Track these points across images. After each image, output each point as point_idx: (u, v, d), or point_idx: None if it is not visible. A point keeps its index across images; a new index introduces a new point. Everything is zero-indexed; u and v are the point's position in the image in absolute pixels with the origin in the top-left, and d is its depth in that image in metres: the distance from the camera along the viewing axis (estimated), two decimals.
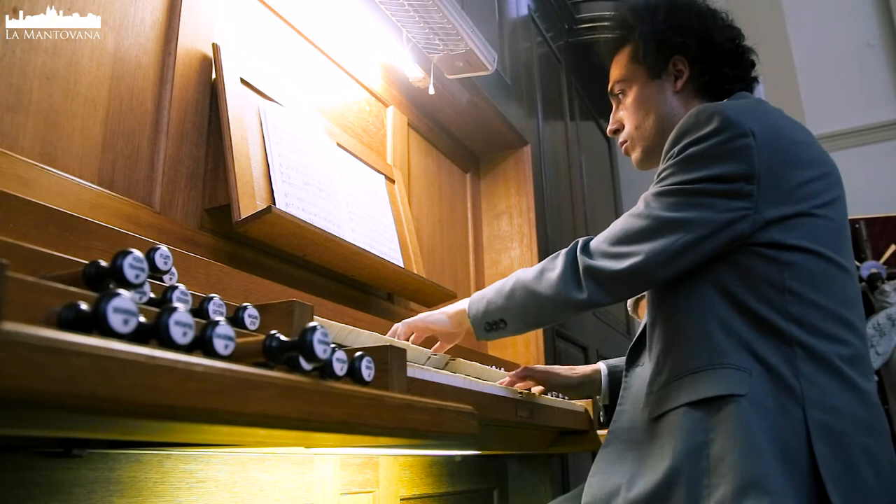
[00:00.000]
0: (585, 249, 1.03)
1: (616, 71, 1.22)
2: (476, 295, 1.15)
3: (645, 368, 1.09)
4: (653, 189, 1.02)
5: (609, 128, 1.26)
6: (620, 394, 1.13)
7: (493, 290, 1.12)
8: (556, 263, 1.05)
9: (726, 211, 0.94)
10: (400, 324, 1.21)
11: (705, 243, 0.95)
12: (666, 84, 1.16)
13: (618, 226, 1.03)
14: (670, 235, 0.96)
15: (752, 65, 1.18)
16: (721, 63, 1.13)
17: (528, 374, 1.32)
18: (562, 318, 1.09)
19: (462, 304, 1.17)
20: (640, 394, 1.07)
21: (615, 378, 1.35)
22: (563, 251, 1.06)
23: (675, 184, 0.98)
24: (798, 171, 0.97)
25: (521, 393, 1.25)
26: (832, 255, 0.97)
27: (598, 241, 1.03)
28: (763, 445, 0.87)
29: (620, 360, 1.37)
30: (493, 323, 1.10)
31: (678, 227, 0.96)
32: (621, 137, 1.23)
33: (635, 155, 1.21)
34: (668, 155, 1.02)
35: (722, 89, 1.13)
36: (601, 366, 1.40)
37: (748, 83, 1.16)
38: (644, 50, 1.16)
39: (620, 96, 1.22)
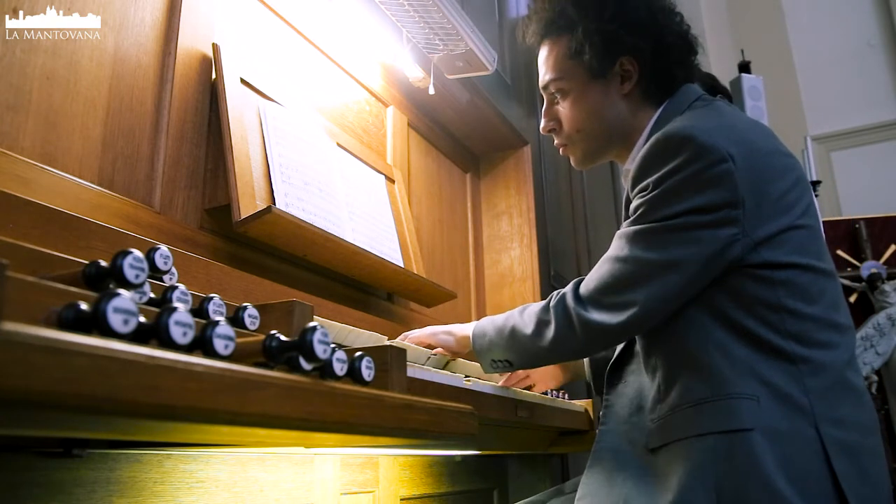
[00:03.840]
0: (577, 299, 0.99)
1: (550, 66, 1.12)
2: (478, 328, 1.13)
3: (629, 387, 1.08)
4: (633, 227, 0.96)
5: (544, 126, 1.16)
6: (602, 412, 1.10)
7: (494, 330, 1.09)
8: (550, 316, 1.01)
9: (715, 241, 0.91)
10: (410, 335, 1.20)
11: (700, 278, 0.93)
12: (611, 85, 1.08)
13: (606, 272, 0.98)
14: (664, 278, 0.92)
15: (696, 54, 1.11)
16: (672, 64, 1.07)
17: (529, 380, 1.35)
18: (566, 361, 1.12)
19: (467, 330, 1.15)
20: (624, 414, 1.06)
21: (596, 363, 1.35)
22: (554, 302, 1.02)
23: (657, 220, 0.93)
24: (776, 183, 0.95)
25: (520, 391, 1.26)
26: (817, 263, 0.96)
27: (590, 290, 0.99)
28: (779, 477, 0.85)
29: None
30: (498, 361, 1.10)
31: (670, 269, 0.92)
32: (559, 139, 1.16)
33: (575, 157, 1.16)
34: (641, 188, 0.96)
35: (670, 89, 1.08)
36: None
37: (691, 75, 1.10)
38: (589, 50, 1.06)
39: (557, 95, 1.13)
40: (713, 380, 0.92)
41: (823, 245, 1.01)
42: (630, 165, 1.05)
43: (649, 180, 0.95)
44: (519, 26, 1.20)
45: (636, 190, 0.98)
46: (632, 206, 0.99)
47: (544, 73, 1.15)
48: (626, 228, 0.98)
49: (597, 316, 0.96)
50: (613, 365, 1.13)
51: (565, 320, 0.99)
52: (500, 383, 1.28)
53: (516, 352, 1.07)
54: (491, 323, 1.12)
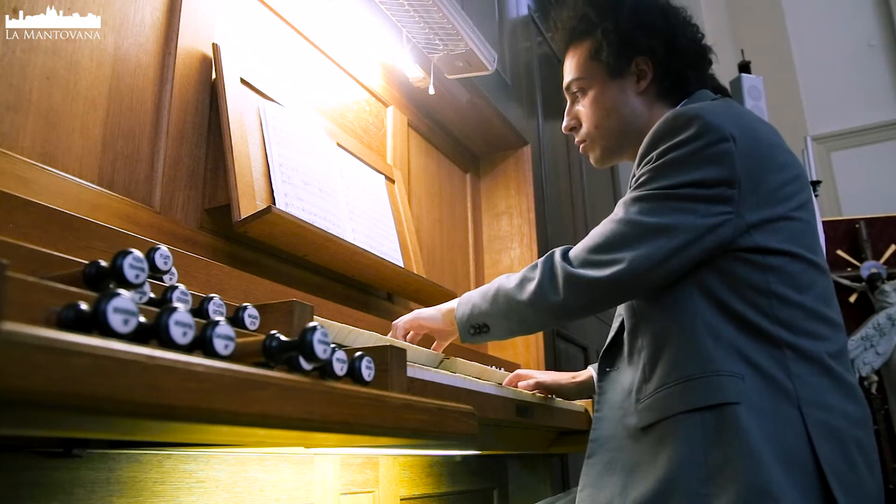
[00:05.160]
0: (566, 257, 1.02)
1: (573, 67, 1.19)
2: (464, 296, 1.14)
3: (622, 373, 1.08)
4: (631, 194, 1.00)
5: (565, 125, 1.23)
6: (596, 399, 1.11)
7: (478, 294, 1.11)
8: (535, 273, 1.03)
9: (708, 216, 0.93)
10: (398, 321, 1.21)
11: (689, 249, 0.94)
12: (627, 84, 1.14)
13: (597, 233, 1.01)
14: (653, 241, 0.94)
15: (710, 63, 1.17)
16: (685, 66, 1.13)
17: (539, 386, 1.34)
18: (544, 325, 1.08)
19: (453, 304, 1.16)
20: (617, 400, 1.06)
21: None
22: (541, 260, 1.04)
23: (656, 189, 0.97)
24: (774, 174, 0.97)
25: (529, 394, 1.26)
26: (810, 256, 0.98)
27: (579, 250, 1.01)
28: (765, 451, 0.87)
29: None
30: (477, 326, 1.10)
31: (661, 233, 0.94)
32: (579, 136, 1.21)
33: (594, 155, 1.21)
34: (646, 160, 1.00)
35: (685, 91, 1.13)
36: (591, 371, 1.39)
37: (706, 82, 1.15)
38: (607, 50, 1.13)
39: (578, 94, 1.20)
40: (699, 358, 0.94)
41: (818, 241, 1.02)
42: None
43: (654, 153, 0.99)
44: (548, 37, 1.27)
45: (641, 163, 1.01)
46: (634, 177, 1.03)
47: (567, 74, 1.22)
48: (625, 197, 1.02)
49: (581, 270, 0.98)
50: (605, 352, 1.14)
51: (550, 273, 1.01)
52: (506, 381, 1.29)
53: (496, 312, 1.07)
54: (477, 289, 1.14)
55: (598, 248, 0.99)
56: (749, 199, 0.94)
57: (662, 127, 1.00)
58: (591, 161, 1.22)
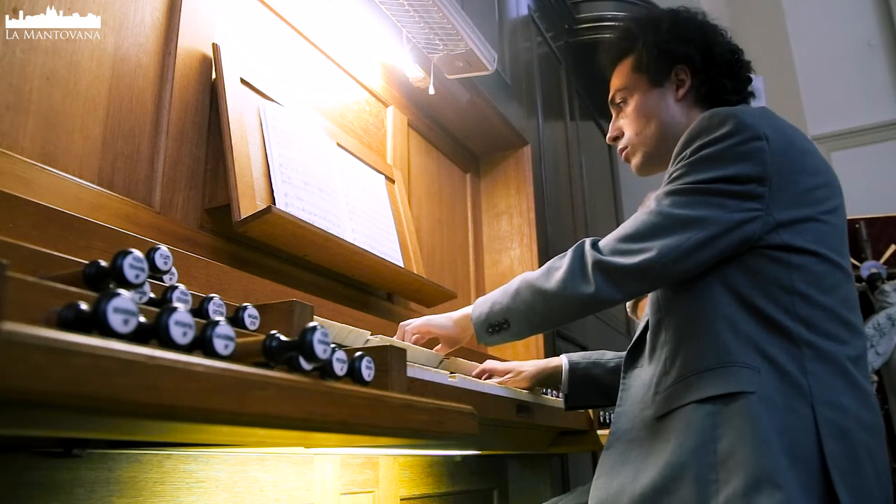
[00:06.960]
0: (595, 246, 1.04)
1: (617, 80, 1.24)
2: (481, 298, 1.15)
3: (645, 370, 1.09)
4: (664, 188, 1.03)
5: (609, 135, 1.28)
6: (619, 395, 1.12)
7: (497, 292, 1.12)
8: (564, 262, 1.05)
9: (738, 211, 0.95)
10: (405, 324, 1.22)
11: (717, 242, 0.96)
12: (667, 92, 1.18)
13: (629, 224, 1.03)
14: (683, 233, 0.96)
15: (749, 80, 1.20)
16: (721, 74, 1.16)
17: (491, 375, 1.34)
18: (568, 317, 1.07)
19: (467, 310, 1.17)
20: (639, 394, 1.07)
21: (575, 371, 1.37)
22: (570, 250, 1.06)
23: (689, 183, 0.99)
24: (806, 176, 0.99)
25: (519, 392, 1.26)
26: (836, 258, 0.99)
27: (609, 239, 1.04)
28: (773, 441, 0.88)
29: (584, 356, 1.40)
30: (496, 324, 1.10)
31: (691, 225, 0.96)
32: (621, 144, 1.25)
33: (635, 161, 1.23)
34: (680, 156, 1.03)
35: (721, 100, 1.16)
36: (563, 361, 1.39)
37: (745, 96, 1.19)
38: (647, 59, 1.18)
39: (622, 105, 1.24)
40: (717, 350, 0.96)
41: (845, 246, 1.04)
42: None
43: (688, 150, 1.01)
44: (597, 60, 1.32)
45: (676, 159, 1.04)
46: (669, 174, 1.05)
47: (612, 87, 1.26)
48: (658, 191, 1.04)
49: (611, 258, 1.00)
50: (630, 350, 1.16)
51: (580, 261, 1.03)
52: (474, 373, 1.29)
53: (518, 305, 1.07)
54: (494, 291, 1.14)
55: (629, 238, 1.00)
56: (779, 198, 0.96)
57: (698, 125, 1.02)
58: (633, 168, 1.25)
